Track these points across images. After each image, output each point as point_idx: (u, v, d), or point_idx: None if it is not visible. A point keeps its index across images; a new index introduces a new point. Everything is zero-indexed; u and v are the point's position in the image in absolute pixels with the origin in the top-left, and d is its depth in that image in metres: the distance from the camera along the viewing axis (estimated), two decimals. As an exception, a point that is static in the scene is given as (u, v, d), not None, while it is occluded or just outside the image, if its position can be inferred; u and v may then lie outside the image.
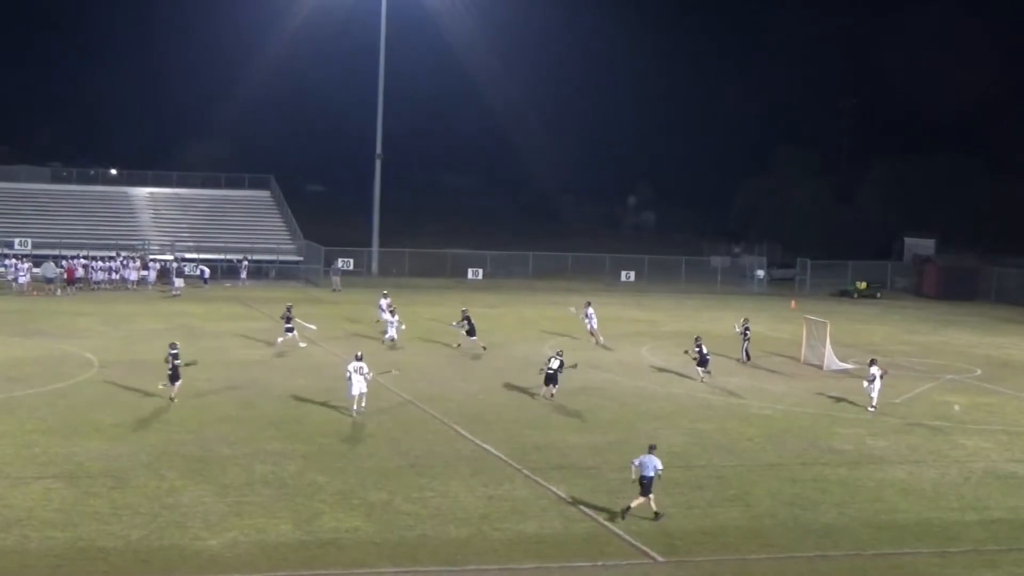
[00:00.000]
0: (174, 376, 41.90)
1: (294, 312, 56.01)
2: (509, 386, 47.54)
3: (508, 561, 26.82)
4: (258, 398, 43.20)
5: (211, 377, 46.64)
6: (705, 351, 50.54)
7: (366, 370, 41.43)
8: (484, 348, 56.02)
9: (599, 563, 26.99)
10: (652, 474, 30.11)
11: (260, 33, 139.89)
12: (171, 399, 41.59)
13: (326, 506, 30.01)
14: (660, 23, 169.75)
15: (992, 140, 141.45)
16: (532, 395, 45.41)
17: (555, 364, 45.07)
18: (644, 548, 27.90)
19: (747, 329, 56.42)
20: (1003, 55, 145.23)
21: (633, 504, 30.06)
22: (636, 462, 30.46)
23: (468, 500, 31.04)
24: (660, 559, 27.37)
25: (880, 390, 45.57)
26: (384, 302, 60.33)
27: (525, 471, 34.19)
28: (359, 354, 42.26)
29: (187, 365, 42.86)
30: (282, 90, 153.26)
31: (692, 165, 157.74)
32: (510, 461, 35.24)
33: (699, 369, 50.38)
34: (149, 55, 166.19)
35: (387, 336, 57.20)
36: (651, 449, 30.88)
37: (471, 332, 56.44)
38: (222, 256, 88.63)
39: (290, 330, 54.82)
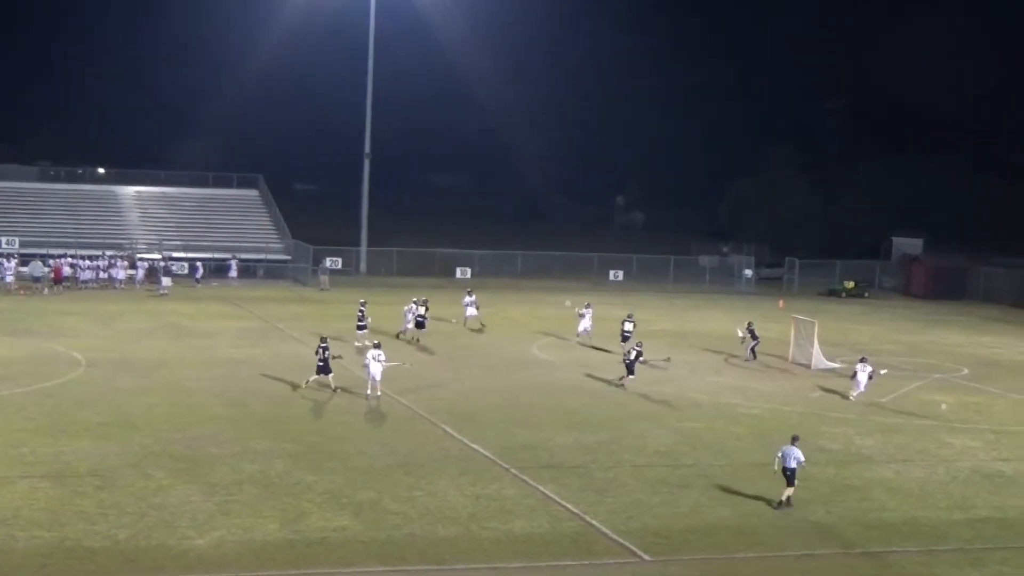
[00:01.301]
0: (325, 368, 44.11)
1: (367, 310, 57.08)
2: (499, 386, 47.61)
3: (496, 560, 26.81)
4: (246, 397, 43.11)
5: (199, 376, 46.60)
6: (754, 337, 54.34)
7: (383, 357, 43.54)
8: (419, 341, 56.98)
9: (587, 562, 27.00)
10: (795, 464, 31.56)
11: (250, 32, 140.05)
12: (334, 390, 44.09)
13: (314, 505, 29.96)
14: (649, 23, 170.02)
15: (980, 140, 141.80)
16: (612, 384, 47.56)
17: (632, 355, 48.13)
18: (631, 547, 27.91)
19: (753, 330, 56.39)
20: (991, 55, 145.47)
21: (784, 496, 31.50)
22: (779, 453, 31.90)
23: (456, 499, 31.02)
24: (647, 558, 27.37)
25: (866, 386, 46.75)
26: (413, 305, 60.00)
27: (513, 470, 34.18)
28: (377, 342, 45.10)
29: (335, 359, 44.56)
30: (271, 89, 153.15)
31: (680, 165, 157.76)
32: (498, 460, 35.23)
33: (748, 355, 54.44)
34: (138, 54, 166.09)
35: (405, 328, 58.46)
36: (794, 440, 32.32)
37: (420, 325, 57.66)
38: (210, 255, 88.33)
39: (362, 328, 55.85)
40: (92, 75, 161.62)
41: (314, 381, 44.49)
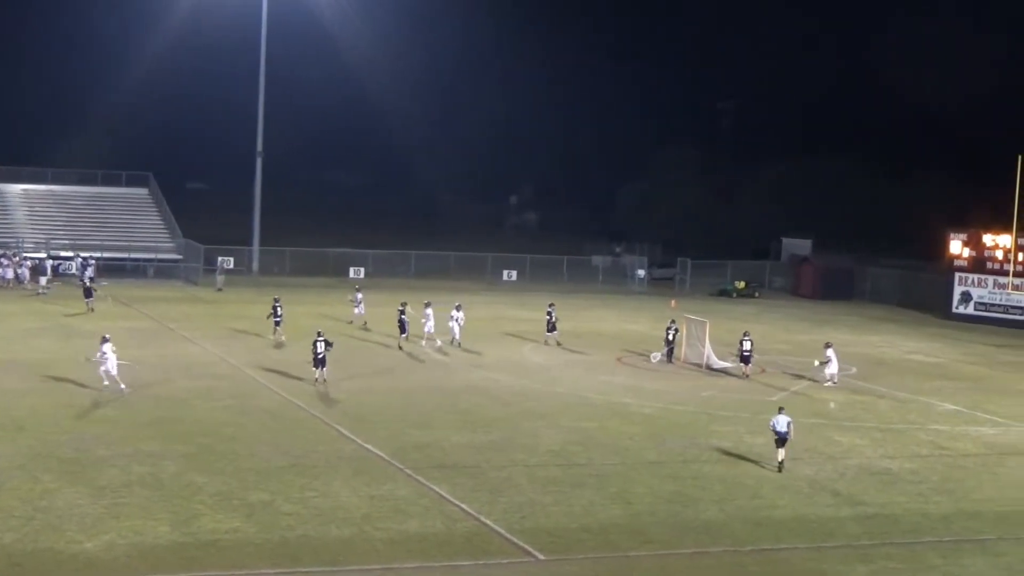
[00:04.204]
0: (318, 362, 46.60)
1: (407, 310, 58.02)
2: (392, 386, 47.57)
3: (390, 561, 26.78)
4: (136, 398, 42.60)
5: (88, 377, 45.89)
6: (747, 349, 53.93)
7: (328, 340, 47.28)
8: (283, 339, 57.11)
9: (481, 562, 27.06)
10: (785, 429, 36.24)
11: (139, 27, 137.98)
12: (317, 382, 46.48)
13: (205, 507, 29.70)
14: (543, 24, 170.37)
15: (870, 142, 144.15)
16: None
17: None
18: (526, 546, 28.03)
19: (676, 331, 56.84)
20: (882, 57, 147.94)
21: (779, 457, 36.25)
22: (772, 423, 36.59)
23: (350, 500, 30.94)
24: (542, 557, 27.51)
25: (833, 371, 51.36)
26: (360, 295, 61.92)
27: (407, 471, 34.16)
28: (320, 331, 47.88)
29: (327, 347, 46.89)
30: (161, 86, 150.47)
31: (575, 165, 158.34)
32: (392, 461, 35.19)
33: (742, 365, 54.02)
34: (22, 48, 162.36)
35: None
36: (780, 411, 37.34)
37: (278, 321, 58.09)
38: (100, 254, 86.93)
39: (403, 327, 57.47)
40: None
41: (320, 375, 46.82)
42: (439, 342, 57.69)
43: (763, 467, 36.75)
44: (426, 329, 58.00)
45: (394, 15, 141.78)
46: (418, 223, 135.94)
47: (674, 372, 54.39)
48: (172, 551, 26.58)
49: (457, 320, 58.44)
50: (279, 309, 58.03)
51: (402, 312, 57.51)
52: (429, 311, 58.31)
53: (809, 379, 53.29)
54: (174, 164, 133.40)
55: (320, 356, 46.72)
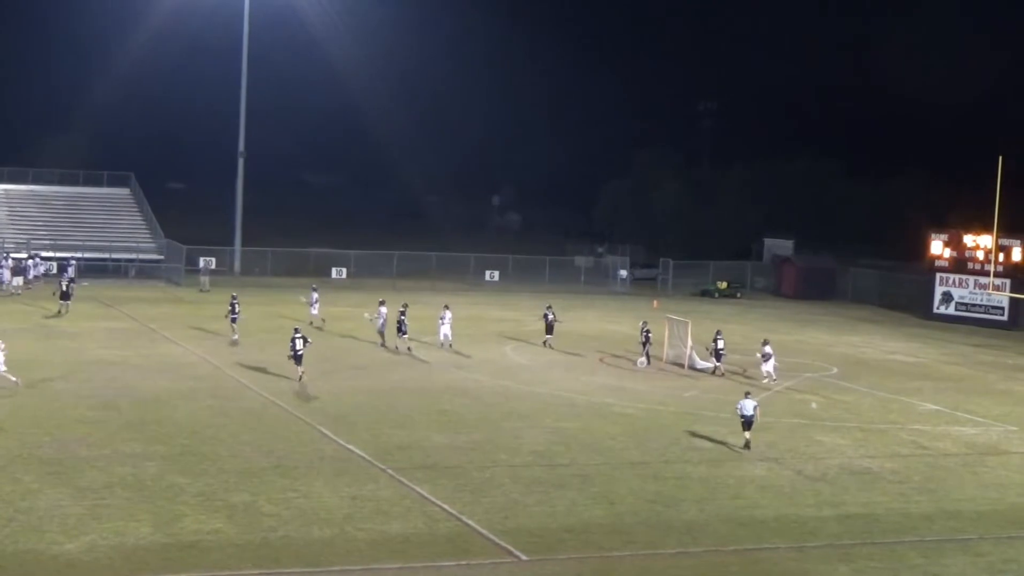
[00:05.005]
0: (297, 359, 46.91)
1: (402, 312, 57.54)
2: (372, 386, 47.51)
3: (372, 561, 26.74)
4: (117, 399, 42.48)
5: (68, 377, 45.81)
6: (720, 347, 54.70)
7: (305, 336, 47.74)
8: (237, 338, 57.34)
9: (463, 563, 27.03)
10: (751, 412, 38.89)
11: (120, 28, 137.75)
12: (301, 379, 46.84)
13: (187, 508, 29.62)
14: (526, 25, 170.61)
15: (850, 144, 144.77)
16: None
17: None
18: (508, 547, 28.01)
19: (649, 332, 56.81)
20: (864, 58, 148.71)
21: (746, 437, 38.87)
22: (738, 406, 39.21)
23: (332, 501, 30.88)
24: (524, 557, 27.49)
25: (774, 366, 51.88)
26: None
27: (389, 471, 34.12)
28: (297, 328, 48.95)
29: (305, 344, 47.19)
30: (143, 86, 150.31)
31: (557, 166, 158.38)
32: (374, 461, 35.14)
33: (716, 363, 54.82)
34: (3, 49, 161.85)
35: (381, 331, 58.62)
36: (747, 395, 40.01)
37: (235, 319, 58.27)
38: (80, 254, 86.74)
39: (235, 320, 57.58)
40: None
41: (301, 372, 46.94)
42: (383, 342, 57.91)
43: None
44: (378, 328, 58.25)
45: (377, 16, 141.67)
46: (401, 224, 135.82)
47: (656, 372, 54.42)
48: (154, 552, 26.50)
49: (447, 321, 58.45)
50: (236, 307, 58.03)
51: (402, 314, 57.30)
52: (383, 309, 58.45)
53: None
54: (156, 164, 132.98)
55: (299, 353, 46.80)
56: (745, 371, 54.82)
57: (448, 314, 58.60)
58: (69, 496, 30.11)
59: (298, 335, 47.40)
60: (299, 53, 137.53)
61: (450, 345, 57.71)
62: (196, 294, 78.80)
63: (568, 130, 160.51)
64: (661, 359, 56.71)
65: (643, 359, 55.75)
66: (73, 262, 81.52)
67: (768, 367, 52.30)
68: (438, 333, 58.21)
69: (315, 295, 64.98)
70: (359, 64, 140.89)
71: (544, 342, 60.39)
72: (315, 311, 64.11)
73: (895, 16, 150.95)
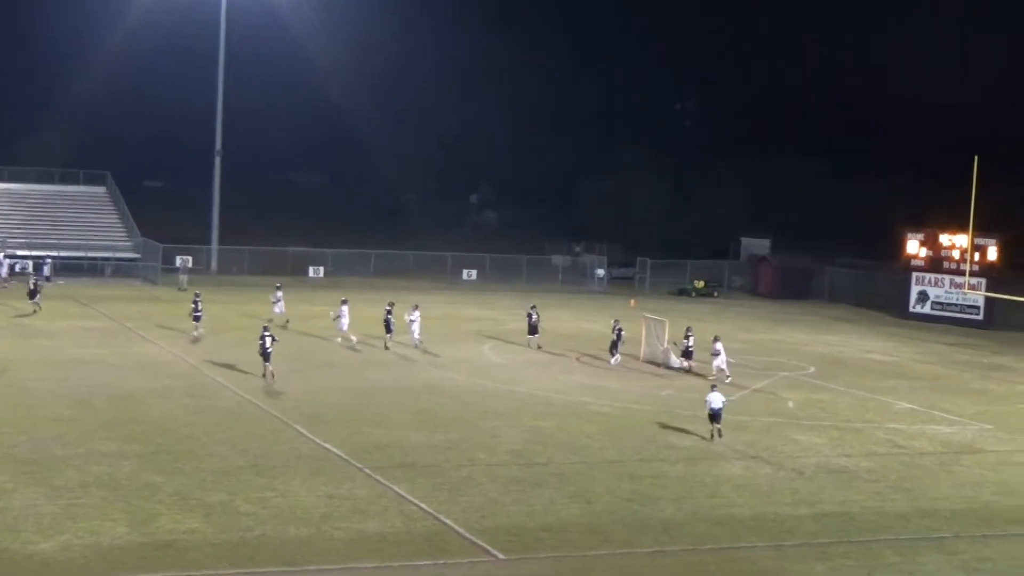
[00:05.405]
0: (266, 356, 46.89)
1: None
2: (348, 385, 47.47)
3: (349, 561, 26.70)
4: (93, 397, 42.33)
5: (43, 376, 45.65)
6: (690, 344, 54.88)
7: (273, 335, 48.09)
8: (199, 335, 57.40)
9: (441, 562, 27.01)
10: (719, 406, 39.99)
11: (96, 25, 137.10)
12: (266, 376, 46.75)
13: (163, 507, 29.53)
14: (506, 26, 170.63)
15: (828, 143, 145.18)
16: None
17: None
18: (485, 546, 28.00)
19: (621, 330, 56.88)
20: (845, 56, 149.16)
21: (712, 431, 40.07)
22: (707, 400, 40.29)
23: (309, 500, 30.82)
24: (502, 556, 27.48)
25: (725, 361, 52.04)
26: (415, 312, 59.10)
27: (366, 470, 34.08)
28: (266, 325, 49.27)
29: (273, 341, 47.34)
30: (119, 84, 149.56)
31: (535, 165, 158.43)
32: (351, 460, 35.09)
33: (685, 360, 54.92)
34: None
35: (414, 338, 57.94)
36: (713, 388, 41.31)
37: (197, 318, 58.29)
38: (56, 253, 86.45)
39: (198, 318, 57.74)
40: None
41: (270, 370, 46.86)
42: (354, 339, 57.61)
43: (722, 465, 36.92)
44: (340, 327, 58.03)
45: (356, 15, 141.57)
46: (380, 223, 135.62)
47: (632, 371, 54.46)
48: (130, 552, 26.41)
49: (415, 320, 58.20)
50: (199, 305, 58.02)
51: (389, 312, 57.30)
52: (344, 308, 58.28)
53: (769, 377, 53.54)
54: (132, 163, 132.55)
55: (267, 351, 46.85)
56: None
57: (417, 313, 58.50)
58: (44, 495, 29.99)
59: (267, 333, 47.56)
60: (278, 51, 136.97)
61: (418, 344, 57.59)
62: (173, 293, 78.50)
63: (548, 129, 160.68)
64: (638, 358, 56.79)
65: (617, 356, 55.76)
66: (48, 261, 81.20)
67: (719, 362, 52.40)
68: (411, 332, 58.04)
69: (279, 294, 64.55)
70: (339, 63, 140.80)
71: (528, 342, 60.32)
72: (278, 310, 63.72)
73: (875, 16, 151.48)
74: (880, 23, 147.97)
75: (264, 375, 46.85)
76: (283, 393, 44.90)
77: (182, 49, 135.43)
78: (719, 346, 52.83)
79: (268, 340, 47.01)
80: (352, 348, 56.69)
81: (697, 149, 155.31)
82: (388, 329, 56.90)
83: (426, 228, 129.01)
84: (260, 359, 47.30)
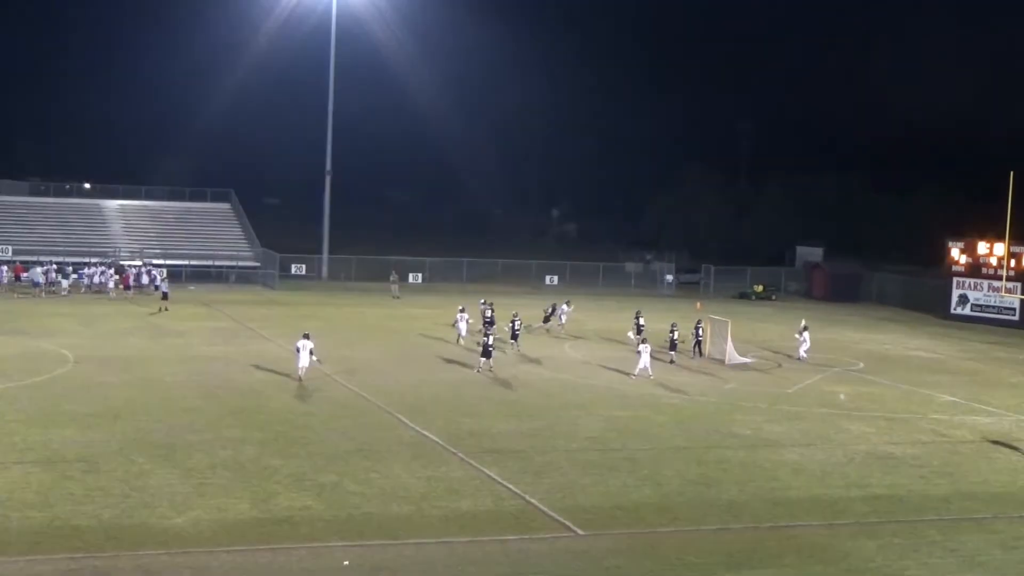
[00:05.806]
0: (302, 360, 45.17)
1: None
2: (442, 379, 47.58)
3: (445, 535, 26.78)
4: (219, 390, 42.82)
5: (175, 371, 46.26)
6: (675, 336, 54.30)
7: (311, 346, 45.00)
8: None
9: (527, 536, 27.02)
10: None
11: (222, 62, 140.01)
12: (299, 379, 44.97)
13: (281, 487, 29.80)
14: (588, 57, 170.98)
15: (876, 160, 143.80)
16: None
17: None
18: (566, 523, 27.96)
19: (639, 323, 56.81)
20: (885, 81, 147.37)
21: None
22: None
23: (409, 481, 30.95)
24: (581, 532, 27.43)
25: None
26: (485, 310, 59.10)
27: (460, 455, 34.15)
28: (307, 333, 45.99)
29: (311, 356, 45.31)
30: (242, 113, 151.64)
31: (610, 181, 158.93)
32: (447, 446, 35.19)
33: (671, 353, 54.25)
34: (120, 78, 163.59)
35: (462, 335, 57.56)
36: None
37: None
38: (187, 262, 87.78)
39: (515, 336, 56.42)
40: (78, 96, 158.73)
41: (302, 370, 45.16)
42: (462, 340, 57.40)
43: (781, 451, 36.59)
44: (459, 332, 57.58)
45: (448, 50, 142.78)
46: (470, 235, 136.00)
47: (699, 367, 54.12)
48: (251, 526, 26.69)
49: (466, 320, 57.81)
50: (517, 324, 56.45)
51: (513, 322, 56.52)
52: (463, 315, 57.91)
53: (823, 372, 52.96)
54: (253, 182, 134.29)
55: (305, 351, 45.01)
56: (780, 365, 54.53)
57: (465, 315, 58.09)
58: (177, 476, 30.40)
59: (305, 338, 45.43)
60: (380, 82, 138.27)
61: (461, 341, 57.09)
62: (288, 296, 79.10)
63: (620, 148, 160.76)
64: (705, 356, 56.46)
65: (673, 354, 55.19)
66: (164, 270, 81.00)
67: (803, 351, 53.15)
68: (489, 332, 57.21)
69: (464, 315, 58.53)
70: (435, 93, 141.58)
71: (547, 329, 61.58)
72: (463, 331, 58.00)
73: (914, 42, 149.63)
74: (919, 50, 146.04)
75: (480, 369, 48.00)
76: (385, 386, 45.05)
77: (295, 83, 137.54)
78: (807, 335, 53.06)
79: (306, 346, 44.88)
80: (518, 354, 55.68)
81: (754, 166, 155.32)
82: (514, 336, 55.98)
83: (512, 239, 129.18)
84: (489, 351, 48.78)
